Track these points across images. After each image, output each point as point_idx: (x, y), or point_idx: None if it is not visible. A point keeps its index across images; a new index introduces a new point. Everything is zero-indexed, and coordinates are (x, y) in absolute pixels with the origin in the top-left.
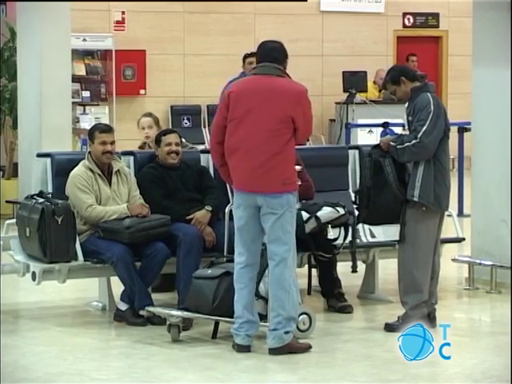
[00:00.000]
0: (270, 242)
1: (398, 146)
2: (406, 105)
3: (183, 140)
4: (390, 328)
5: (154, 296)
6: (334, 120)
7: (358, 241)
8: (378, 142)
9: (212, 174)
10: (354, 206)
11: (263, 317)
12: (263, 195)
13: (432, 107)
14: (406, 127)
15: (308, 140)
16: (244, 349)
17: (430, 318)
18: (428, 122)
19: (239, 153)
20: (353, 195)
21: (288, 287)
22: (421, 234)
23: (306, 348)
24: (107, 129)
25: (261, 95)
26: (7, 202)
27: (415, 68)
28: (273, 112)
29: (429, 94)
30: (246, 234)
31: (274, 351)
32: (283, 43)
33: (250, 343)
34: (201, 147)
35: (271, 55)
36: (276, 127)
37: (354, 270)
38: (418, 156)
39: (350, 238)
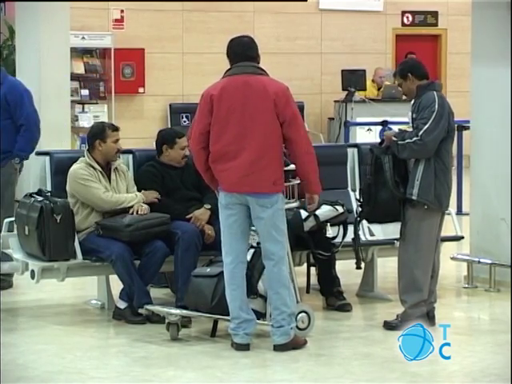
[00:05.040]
0: (265, 241)
1: (399, 142)
2: (412, 102)
3: None
4: (388, 326)
5: (153, 294)
6: (333, 118)
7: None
8: (382, 139)
9: None
10: (358, 203)
11: (262, 315)
12: (254, 195)
13: (436, 106)
14: (410, 124)
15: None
16: (243, 347)
17: (429, 317)
18: (431, 120)
19: (228, 156)
20: (352, 193)
21: (288, 284)
22: (423, 233)
23: (304, 343)
24: (117, 127)
25: (244, 96)
26: None
27: None
28: (258, 112)
29: (435, 93)
30: (235, 232)
31: (281, 347)
32: (253, 39)
33: (249, 341)
34: None
35: (246, 54)
36: (263, 127)
37: (358, 266)
38: (418, 154)
39: (352, 235)
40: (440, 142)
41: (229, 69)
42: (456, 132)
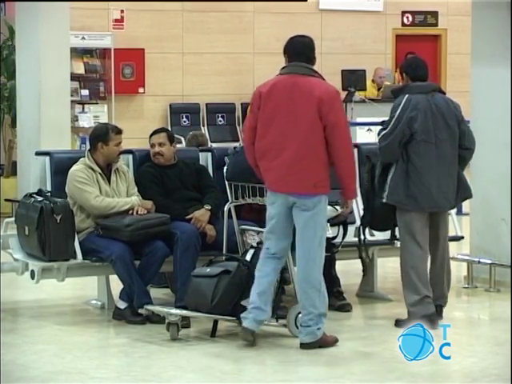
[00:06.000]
0: (301, 240)
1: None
2: None
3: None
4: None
5: (153, 294)
6: None
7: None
8: None
9: (211, 173)
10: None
11: None
12: (296, 195)
13: (398, 112)
14: None
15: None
16: (248, 331)
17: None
18: (390, 126)
19: (270, 154)
20: None
21: (318, 285)
22: (408, 233)
23: (334, 341)
24: (120, 130)
25: (290, 96)
26: (6, 200)
27: None
28: (302, 114)
29: (405, 97)
30: (277, 230)
31: (306, 346)
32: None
33: (256, 329)
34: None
35: (304, 55)
36: (306, 128)
37: (365, 273)
38: (382, 158)
39: (352, 234)
40: (406, 144)
41: (283, 67)
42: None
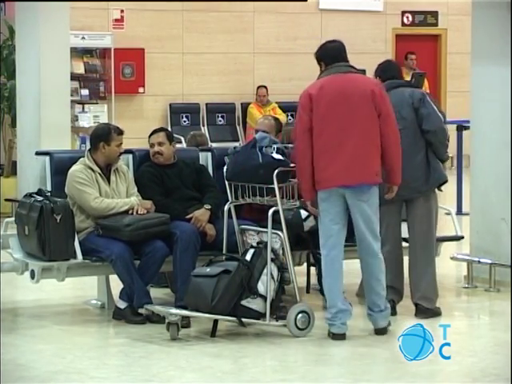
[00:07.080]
0: (367, 236)
1: None
2: None
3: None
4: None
5: (153, 294)
6: None
7: None
8: None
9: (211, 173)
10: None
11: (262, 315)
12: (352, 189)
13: None
14: None
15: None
16: (340, 337)
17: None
18: None
19: (330, 151)
20: None
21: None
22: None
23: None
24: (122, 130)
25: (342, 92)
26: (6, 200)
27: (414, 66)
28: (357, 108)
29: None
30: (332, 229)
31: (383, 330)
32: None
33: (345, 331)
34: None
35: (340, 56)
36: (363, 122)
37: None
38: None
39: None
40: None
41: (323, 70)
42: (455, 132)
